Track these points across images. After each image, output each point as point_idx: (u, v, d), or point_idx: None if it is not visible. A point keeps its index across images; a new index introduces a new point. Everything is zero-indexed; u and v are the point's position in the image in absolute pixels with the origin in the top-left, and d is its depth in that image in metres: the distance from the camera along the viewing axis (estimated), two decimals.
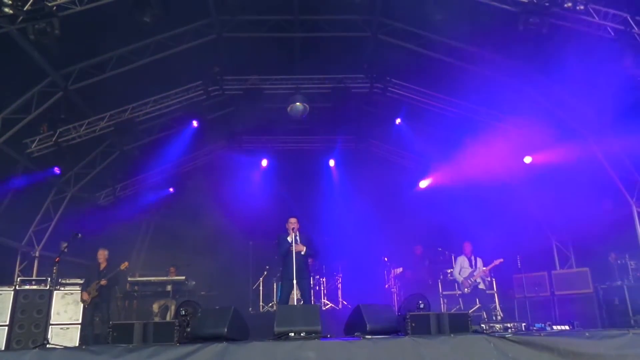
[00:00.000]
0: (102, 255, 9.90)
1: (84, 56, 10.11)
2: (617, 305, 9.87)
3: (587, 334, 5.83)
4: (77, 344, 8.79)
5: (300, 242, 8.62)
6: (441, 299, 12.03)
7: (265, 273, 13.32)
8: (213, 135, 14.55)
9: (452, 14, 8.72)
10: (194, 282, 12.14)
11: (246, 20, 10.53)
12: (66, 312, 9.31)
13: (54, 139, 11.10)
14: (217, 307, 7.67)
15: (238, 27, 10.61)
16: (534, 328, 7.36)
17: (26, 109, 10.04)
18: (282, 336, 6.10)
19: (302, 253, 8.55)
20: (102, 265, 9.78)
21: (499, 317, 10.71)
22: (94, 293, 9.35)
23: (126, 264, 9.75)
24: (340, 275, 13.59)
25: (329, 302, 12.89)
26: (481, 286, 10.68)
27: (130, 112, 11.83)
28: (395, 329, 6.57)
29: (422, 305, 8.22)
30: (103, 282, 9.37)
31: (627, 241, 10.12)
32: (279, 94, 12.39)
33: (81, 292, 9.40)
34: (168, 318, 11.13)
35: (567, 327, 7.22)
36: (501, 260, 10.64)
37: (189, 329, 6.79)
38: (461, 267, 10.92)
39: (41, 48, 8.82)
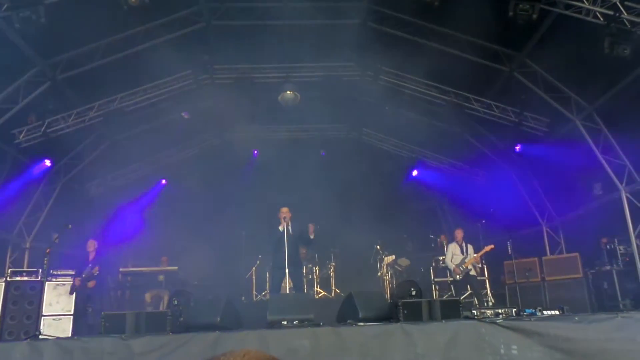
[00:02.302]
0: (92, 245, 9.89)
1: (71, 45, 9.95)
2: (606, 290, 10.00)
3: (576, 319, 5.89)
4: (69, 335, 8.77)
5: (292, 231, 8.65)
6: (433, 286, 12.13)
7: (257, 262, 13.34)
8: (204, 125, 14.47)
9: (442, 1, 8.68)
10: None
11: (235, 8, 10.42)
12: (58, 302, 9.26)
13: (42, 129, 11.01)
14: (209, 297, 7.68)
15: (227, 15, 10.49)
16: (525, 313, 7.43)
17: (14, 99, 9.90)
18: (275, 325, 6.12)
19: (311, 237, 8.62)
20: (92, 256, 9.77)
21: (490, 303, 10.83)
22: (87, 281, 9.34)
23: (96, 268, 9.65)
24: (333, 263, 13.63)
25: (321, 291, 12.94)
26: (472, 272, 10.75)
27: (120, 102, 11.71)
28: (387, 316, 6.61)
29: (414, 292, 8.28)
30: (96, 269, 9.36)
31: (616, 226, 10.21)
32: (270, 82, 12.32)
33: (73, 280, 9.38)
34: (161, 308, 11.13)
35: (557, 312, 7.29)
36: (492, 246, 10.71)
37: (181, 319, 6.81)
38: (452, 254, 10.98)
39: (27, 37, 8.69)
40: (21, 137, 10.85)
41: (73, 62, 10.18)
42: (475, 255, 10.77)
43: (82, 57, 10.21)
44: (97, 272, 9.41)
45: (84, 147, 12.81)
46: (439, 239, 13.44)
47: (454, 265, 10.84)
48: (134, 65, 10.61)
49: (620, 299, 9.56)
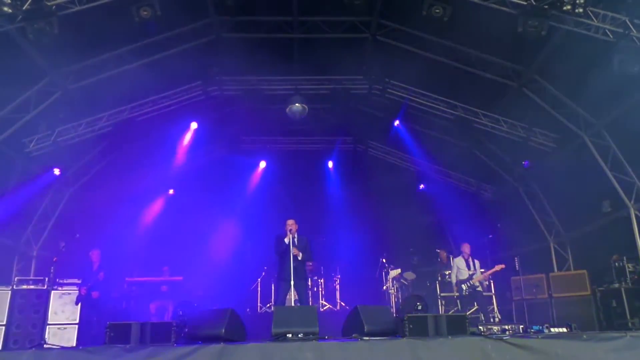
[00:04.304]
0: (95, 255, 9.96)
1: (83, 56, 10.06)
2: (615, 308, 9.87)
3: (584, 337, 5.82)
4: (74, 344, 8.77)
5: (298, 244, 8.61)
6: (439, 301, 12.02)
7: (263, 274, 13.30)
8: (212, 136, 14.54)
9: (451, 16, 8.72)
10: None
11: (245, 21, 10.52)
12: (63, 311, 9.27)
13: (52, 138, 11.12)
14: (214, 308, 7.65)
15: (237, 28, 10.60)
16: (532, 330, 7.35)
17: (25, 108, 10.00)
18: (280, 337, 6.09)
19: (299, 258, 8.53)
20: (96, 265, 9.82)
21: (496, 319, 10.71)
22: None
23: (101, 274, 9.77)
24: (339, 276, 13.55)
25: (327, 303, 12.87)
26: (479, 288, 10.67)
27: (129, 112, 11.82)
28: (393, 331, 6.55)
29: (419, 307, 8.24)
30: (101, 275, 9.42)
31: (624, 244, 10.11)
32: (278, 94, 12.40)
33: (79, 289, 9.41)
34: (166, 318, 11.11)
35: (564, 330, 7.21)
36: (503, 266, 10.61)
37: (186, 330, 6.79)
38: (458, 268, 10.91)
39: (40, 47, 8.81)
40: (31, 145, 10.96)
41: (84, 72, 10.28)
42: (482, 270, 10.70)
43: (93, 68, 10.32)
44: (102, 278, 9.46)
45: (93, 157, 12.90)
46: (439, 257, 13.37)
47: (455, 284, 10.86)
48: (144, 76, 10.70)
49: (629, 317, 9.44)
